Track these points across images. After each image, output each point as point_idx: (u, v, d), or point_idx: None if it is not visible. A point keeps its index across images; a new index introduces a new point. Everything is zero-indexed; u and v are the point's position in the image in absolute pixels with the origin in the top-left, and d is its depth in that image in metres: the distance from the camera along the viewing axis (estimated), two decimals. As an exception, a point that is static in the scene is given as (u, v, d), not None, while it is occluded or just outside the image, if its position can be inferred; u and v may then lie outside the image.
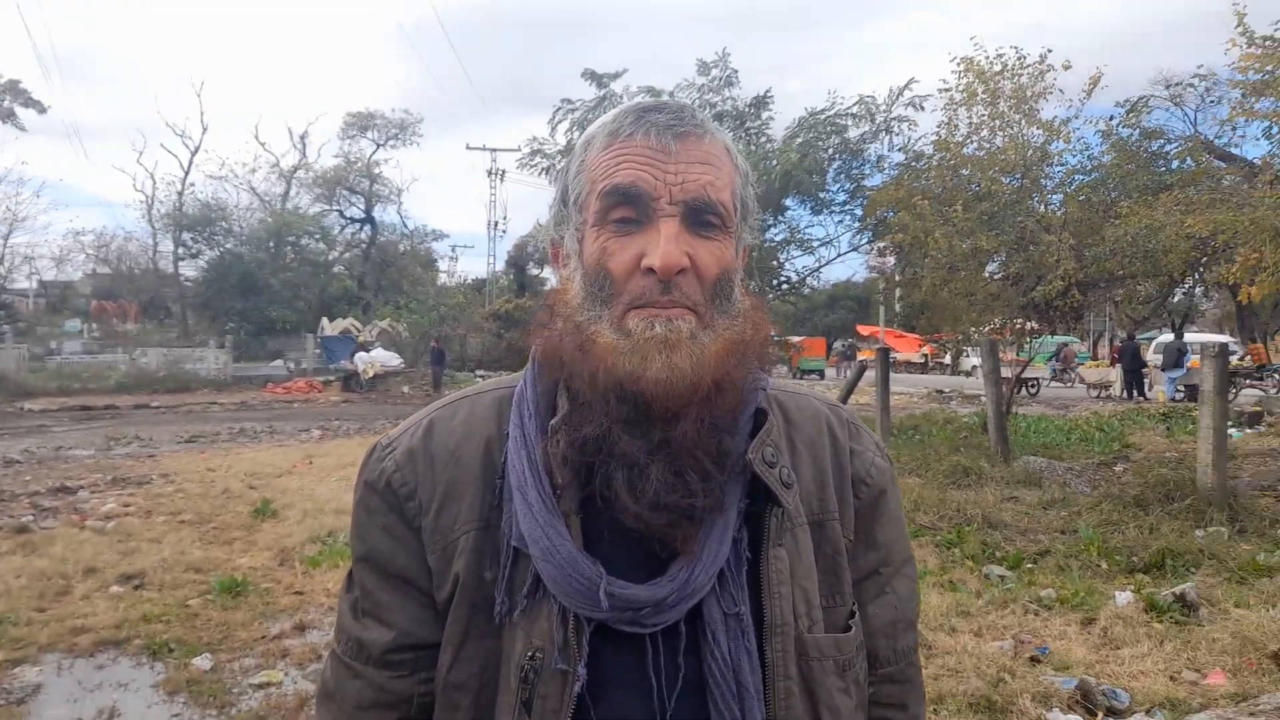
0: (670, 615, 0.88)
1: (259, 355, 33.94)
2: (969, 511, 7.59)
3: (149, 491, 9.89)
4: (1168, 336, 24.85)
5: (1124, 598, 5.45)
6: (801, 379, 37.00)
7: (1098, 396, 23.13)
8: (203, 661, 4.71)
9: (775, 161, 12.71)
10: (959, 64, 10.86)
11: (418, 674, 0.99)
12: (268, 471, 11.08)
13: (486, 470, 0.97)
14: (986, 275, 11.42)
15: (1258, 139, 9.73)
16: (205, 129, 57.21)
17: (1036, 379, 23.34)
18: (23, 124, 37.73)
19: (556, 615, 0.89)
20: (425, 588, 0.98)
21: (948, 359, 32.67)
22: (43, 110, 37.80)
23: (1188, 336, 24.11)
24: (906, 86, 13.03)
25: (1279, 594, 5.39)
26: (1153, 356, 23.44)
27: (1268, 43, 8.92)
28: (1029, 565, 6.37)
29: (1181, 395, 20.08)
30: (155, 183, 43.00)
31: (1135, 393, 22.19)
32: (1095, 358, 32.60)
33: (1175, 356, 20.87)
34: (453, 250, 52.60)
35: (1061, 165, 10.86)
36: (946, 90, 11.21)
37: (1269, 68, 8.85)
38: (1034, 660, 4.51)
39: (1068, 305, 10.32)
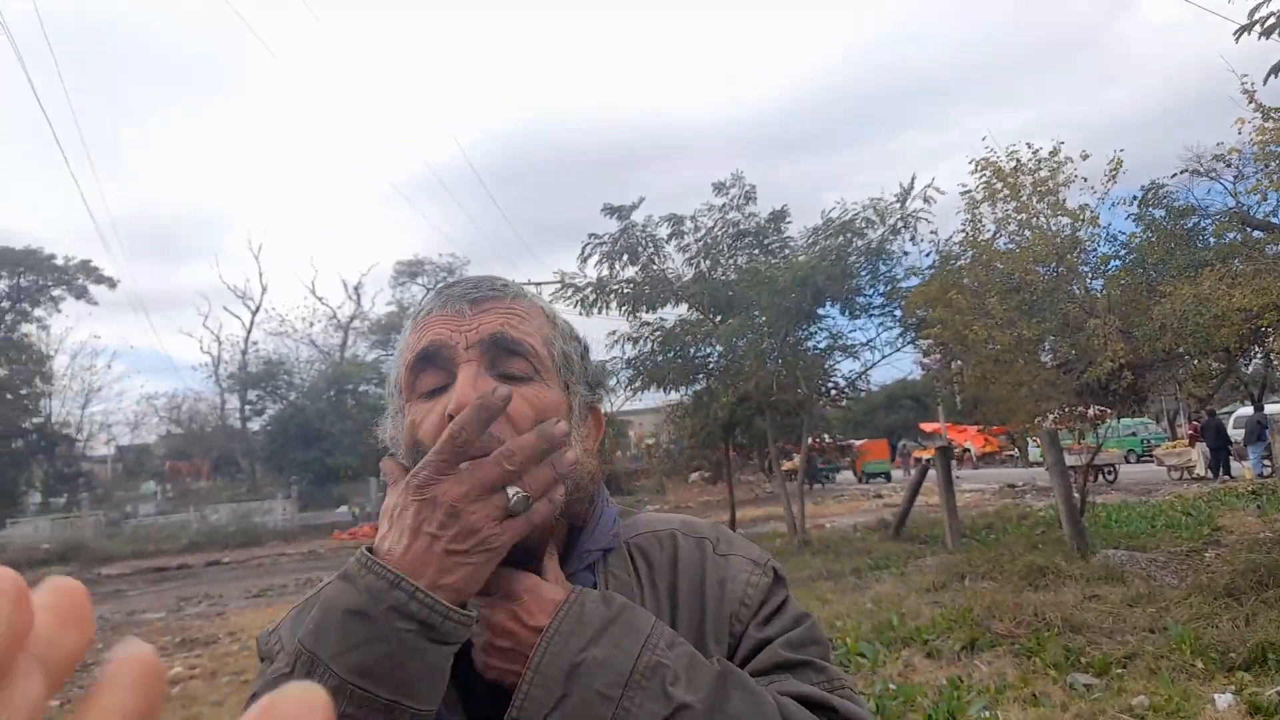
0: None
1: (324, 503, 34.44)
2: (1048, 615, 7.18)
3: (215, 652, 9.92)
4: (1246, 409, 23.83)
5: (1224, 700, 5.06)
6: (867, 483, 36.18)
7: (1180, 479, 22.12)
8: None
9: (797, 271, 12.86)
10: (975, 164, 11.01)
11: None
12: (330, 623, 11.03)
13: None
14: (1039, 364, 11.20)
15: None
16: (265, 289, 59.85)
17: (1112, 465, 22.46)
18: (95, 299, 40.07)
19: None
20: None
21: (1016, 450, 31.84)
22: (113, 285, 40.12)
23: (1269, 408, 23.09)
24: (913, 183, 13.24)
25: (1396, 685, 4.96)
26: (1233, 431, 22.45)
27: (1280, 113, 8.86)
28: (1117, 670, 5.96)
29: (1269, 470, 19.11)
30: (220, 344, 44.62)
31: (1222, 472, 21.16)
32: (1174, 438, 31.31)
33: (1257, 429, 19.97)
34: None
35: (1094, 250, 10.78)
36: (966, 191, 11.33)
37: None
38: (1128, 779, 4.17)
39: (1123, 387, 10.03)
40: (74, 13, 62.76)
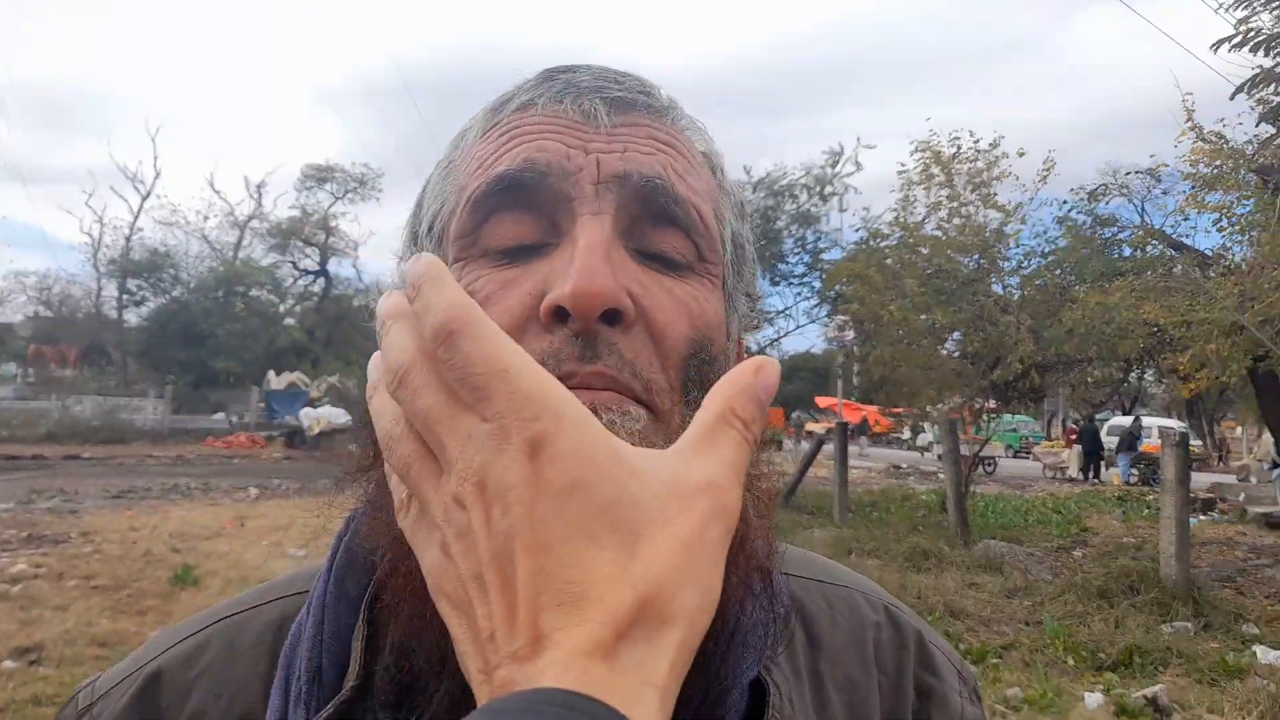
0: None
1: (200, 407, 32.93)
2: (930, 599, 7.33)
3: (64, 552, 9.24)
4: (1119, 419, 25.20)
5: (1094, 700, 5.20)
6: (756, 449, 36.87)
7: (1053, 477, 23.30)
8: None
9: None
10: (915, 145, 11.01)
11: None
12: (195, 533, 10.46)
13: None
14: (945, 352, 11.41)
15: (1208, 230, 9.90)
16: (158, 174, 55.76)
17: (993, 457, 23.48)
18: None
19: None
20: None
21: (906, 433, 33.11)
22: (-11, 147, 36.93)
23: (1143, 420, 24.49)
24: (843, 149, 13.30)
25: (1252, 699, 5.18)
26: (1106, 438, 23.75)
27: (1216, 138, 9.11)
28: (993, 660, 6.08)
29: (1135, 479, 20.27)
30: (103, 226, 41.75)
31: (1093, 475, 22.41)
32: (1049, 438, 32.99)
33: (1128, 439, 21.14)
34: (410, 306, 51.79)
35: (1018, 247, 10.97)
36: (904, 172, 11.34)
37: (1218, 163, 9.03)
38: (1006, 772, 4.21)
39: (1027, 386, 10.29)
40: None
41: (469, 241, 0.54)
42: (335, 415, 27.54)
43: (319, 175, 42.89)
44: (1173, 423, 23.30)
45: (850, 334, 13.70)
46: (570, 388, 0.42)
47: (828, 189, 13.39)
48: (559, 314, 0.48)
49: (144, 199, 41.45)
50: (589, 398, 0.46)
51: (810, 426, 33.08)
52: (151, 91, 74.18)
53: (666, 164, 0.54)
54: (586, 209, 0.51)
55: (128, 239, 40.61)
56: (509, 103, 0.57)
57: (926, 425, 14.53)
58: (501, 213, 0.53)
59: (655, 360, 0.50)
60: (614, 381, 0.48)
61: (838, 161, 13.27)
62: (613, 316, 0.48)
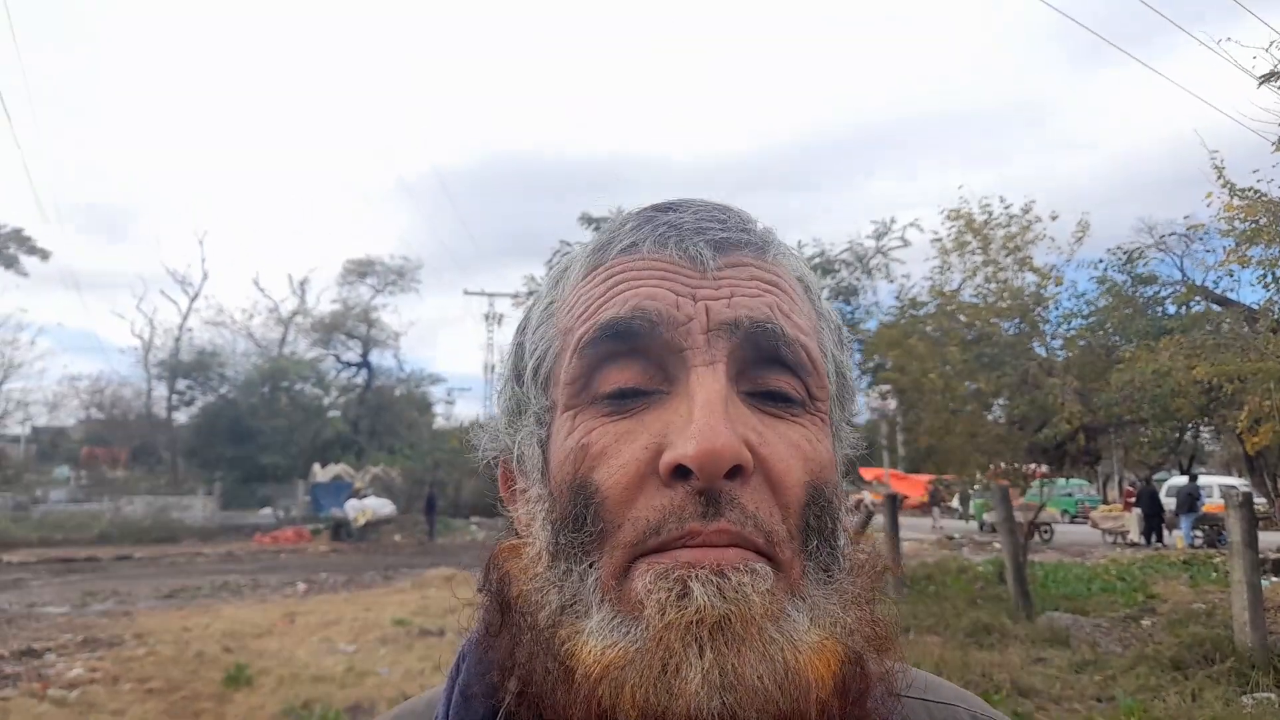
0: None
1: (248, 503, 33.27)
2: (995, 676, 7.05)
3: (119, 655, 9.29)
4: (1177, 479, 24.42)
5: (1179, 780, 4.94)
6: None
7: (1113, 543, 22.52)
8: None
9: None
10: (946, 214, 11.08)
11: None
12: (246, 631, 10.47)
13: None
14: (991, 419, 11.27)
15: (1252, 285, 9.76)
16: (206, 276, 57.88)
17: (1049, 524, 22.77)
18: (25, 270, 38.25)
19: None
20: None
21: (955, 503, 32.27)
22: (45, 257, 38.26)
23: (1201, 479, 23.67)
24: (891, 223, 13.36)
25: (1350, 774, 4.89)
26: (1166, 499, 22.96)
27: (1250, 193, 9.05)
28: (1068, 739, 5.84)
29: (1200, 541, 19.52)
30: (153, 328, 42.98)
31: (1155, 538, 21.61)
32: (1106, 502, 32.01)
33: (1188, 501, 20.41)
34: (449, 394, 52.33)
35: (1057, 309, 10.92)
36: (937, 240, 11.40)
37: (1255, 217, 8.95)
38: None
39: (1077, 449, 10.10)
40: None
41: (579, 388, 0.55)
42: (380, 506, 27.64)
43: (359, 269, 44.02)
44: (1234, 480, 22.51)
45: (892, 403, 13.61)
46: (694, 546, 0.48)
47: (872, 262, 13.48)
48: (680, 471, 0.49)
49: (192, 300, 42.70)
50: (714, 557, 0.48)
51: (855, 497, 32.48)
52: (198, 197, 77.24)
53: (774, 305, 0.55)
54: (700, 359, 0.52)
55: (177, 340, 41.75)
56: (612, 245, 0.59)
57: (975, 491, 14.23)
58: (612, 360, 0.54)
59: (775, 510, 0.51)
60: (738, 537, 0.49)
61: (884, 234, 13.38)
62: (734, 472, 0.49)
